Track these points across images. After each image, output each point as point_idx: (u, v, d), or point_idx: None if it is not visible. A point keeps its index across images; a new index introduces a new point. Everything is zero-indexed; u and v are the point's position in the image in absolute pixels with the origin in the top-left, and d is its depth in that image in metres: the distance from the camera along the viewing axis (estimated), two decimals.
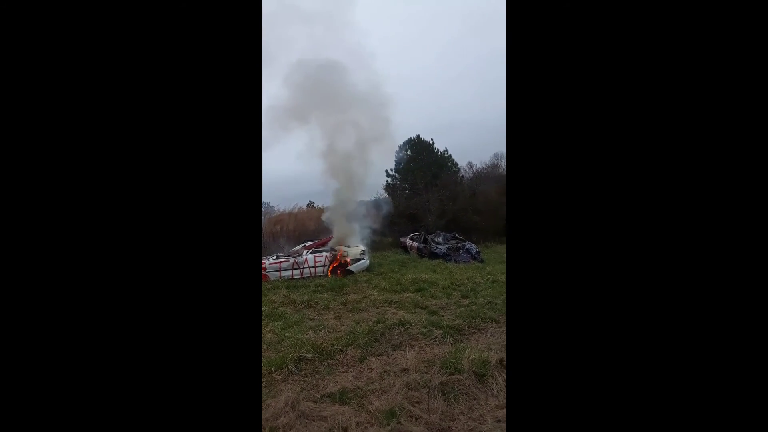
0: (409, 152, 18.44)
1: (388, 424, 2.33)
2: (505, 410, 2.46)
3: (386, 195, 17.31)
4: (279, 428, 2.41)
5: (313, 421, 2.49)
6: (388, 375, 3.10)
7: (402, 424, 2.32)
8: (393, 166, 18.49)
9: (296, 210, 17.98)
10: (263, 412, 2.64)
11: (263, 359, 3.64)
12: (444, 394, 2.66)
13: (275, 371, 3.35)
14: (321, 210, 15.65)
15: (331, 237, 10.22)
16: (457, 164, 18.93)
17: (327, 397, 2.84)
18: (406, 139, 18.35)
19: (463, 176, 18.97)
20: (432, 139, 18.38)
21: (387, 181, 18.35)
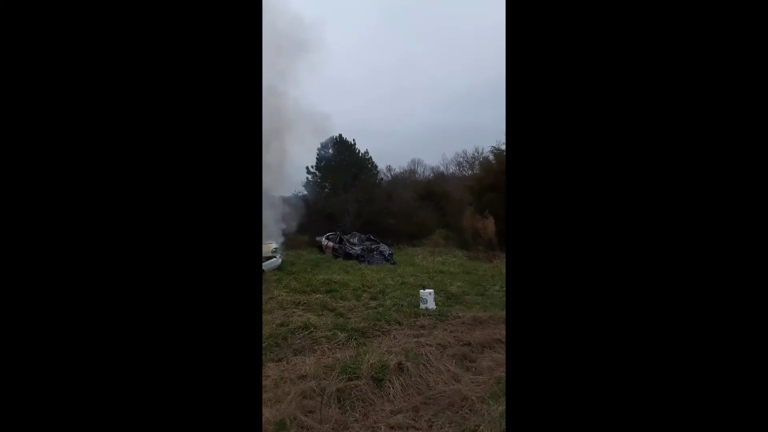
0: (330, 151, 18.20)
1: None
2: (399, 416, 2.48)
3: (305, 192, 16.87)
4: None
5: None
6: (284, 382, 2.94)
7: None
8: (314, 163, 18.11)
9: None
10: None
11: None
12: (340, 402, 2.60)
13: None
14: None
15: None
16: (377, 166, 19.20)
17: None
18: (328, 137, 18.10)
19: (381, 179, 19.31)
20: (354, 140, 18.38)
21: (307, 178, 17.90)
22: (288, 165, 11.32)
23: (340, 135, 18.14)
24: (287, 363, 3.37)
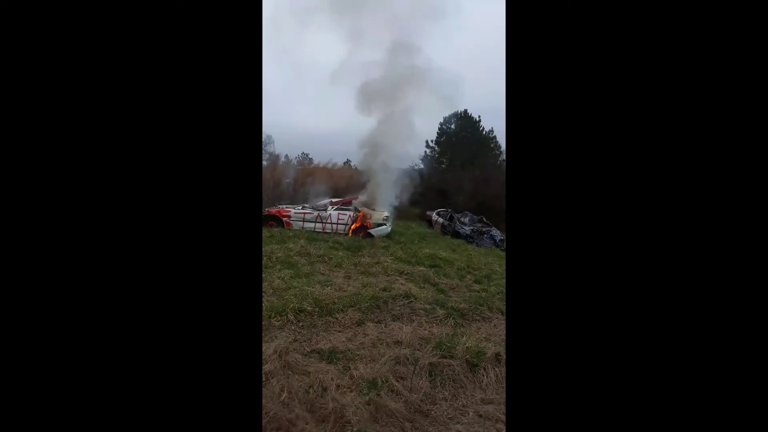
0: (453, 126, 17.79)
1: (368, 394, 2.31)
2: (489, 406, 2.38)
3: (421, 166, 16.98)
4: (262, 374, 2.45)
5: (297, 374, 2.51)
6: (381, 344, 3.07)
7: (381, 397, 2.29)
8: (434, 138, 17.98)
9: (330, 165, 18.04)
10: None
11: (266, 303, 3.71)
12: (431, 376, 2.61)
13: (275, 317, 3.41)
14: (353, 169, 15.53)
15: (357, 197, 10.18)
16: (500, 147, 18.14)
17: (316, 352, 2.86)
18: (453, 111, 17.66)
19: (503, 161, 18.24)
20: (479, 117, 17.59)
21: (425, 152, 17.92)
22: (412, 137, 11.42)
23: (465, 110, 17.56)
24: (385, 326, 3.51)
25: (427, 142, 17.68)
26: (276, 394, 2.23)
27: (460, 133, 17.47)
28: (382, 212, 9.27)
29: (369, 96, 10.99)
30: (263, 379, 2.41)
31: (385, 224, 8.91)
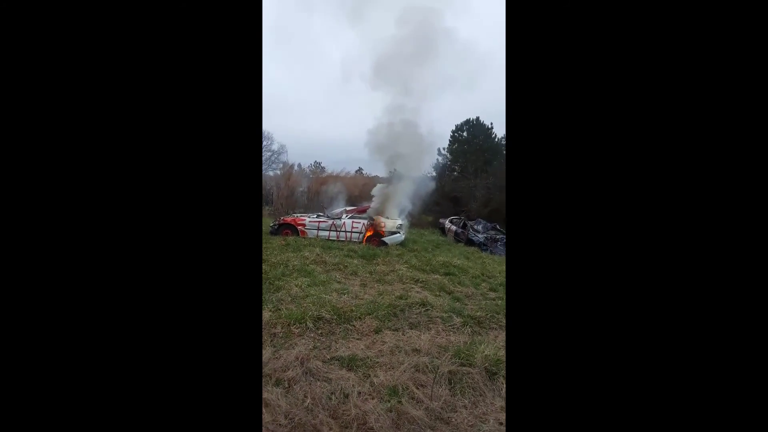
0: (465, 133, 17.83)
1: (389, 401, 2.34)
2: None
3: (433, 173, 17.00)
4: (285, 380, 2.50)
5: (318, 380, 2.56)
6: (399, 351, 3.10)
7: (402, 404, 2.32)
8: (446, 145, 18.02)
9: (343, 174, 18.21)
10: (274, 361, 2.76)
11: (285, 311, 3.78)
12: (450, 384, 2.63)
13: (294, 324, 3.48)
14: (366, 177, 15.60)
15: (369, 206, 10.26)
16: None
17: (336, 360, 2.90)
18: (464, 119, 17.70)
19: None
20: (491, 124, 17.59)
21: (437, 159, 17.96)
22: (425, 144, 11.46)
23: (477, 117, 17.58)
24: (402, 334, 3.54)
25: (439, 149, 17.76)
26: (300, 400, 2.28)
27: (473, 140, 17.49)
28: (395, 220, 9.33)
29: (382, 69, 10.85)
30: (286, 385, 2.46)
31: (399, 232, 8.96)
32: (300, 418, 2.10)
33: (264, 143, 34.47)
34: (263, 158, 34.39)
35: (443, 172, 17.35)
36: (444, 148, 18.04)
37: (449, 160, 18.03)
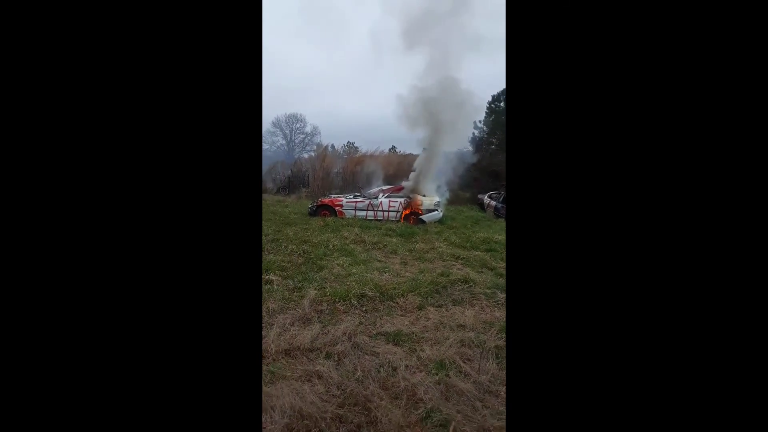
0: (502, 104, 17.12)
1: (437, 374, 2.37)
2: None
3: (470, 148, 16.56)
4: (335, 354, 2.60)
5: (366, 354, 2.64)
6: (444, 327, 3.13)
7: (450, 377, 2.35)
8: (482, 117, 17.42)
9: (378, 153, 18.18)
10: (323, 336, 2.87)
11: (329, 289, 3.90)
12: (497, 358, 2.62)
13: (339, 302, 3.59)
14: (400, 155, 15.49)
15: (404, 185, 10.19)
16: None
17: (382, 335, 2.97)
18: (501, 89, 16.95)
19: None
20: None
21: (474, 133, 17.44)
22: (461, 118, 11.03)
23: None
24: (446, 311, 3.55)
25: (475, 123, 17.19)
26: (351, 372, 2.37)
27: None
28: (433, 197, 9.24)
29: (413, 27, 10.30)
30: (336, 359, 2.56)
31: (436, 210, 8.88)
32: (352, 389, 2.19)
33: (297, 125, 35.08)
34: (296, 140, 35.08)
35: (481, 146, 16.85)
36: (480, 121, 17.46)
37: (486, 133, 17.46)
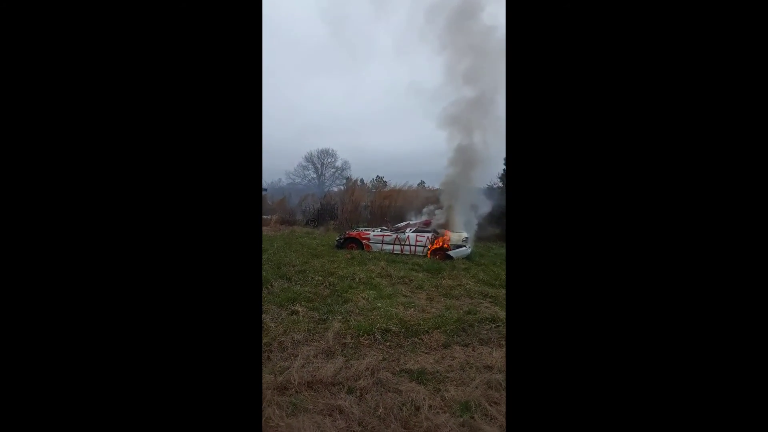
0: None
1: (461, 416, 2.28)
2: None
3: (500, 184, 16.45)
4: (357, 389, 2.56)
5: (389, 391, 2.58)
6: (470, 367, 3.02)
7: (475, 420, 2.25)
8: None
9: (406, 188, 18.38)
10: (346, 370, 2.84)
11: (354, 322, 3.88)
12: None
13: (362, 336, 3.56)
14: (428, 190, 15.60)
15: (431, 220, 10.18)
16: None
17: (405, 372, 2.91)
18: None
19: None
20: None
21: (504, 169, 17.39)
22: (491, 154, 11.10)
23: None
24: (473, 350, 3.44)
25: (504, 159, 17.20)
26: (372, 409, 2.32)
27: None
28: (461, 234, 9.15)
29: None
30: (358, 394, 2.52)
31: (464, 246, 8.77)
32: (373, 426, 2.14)
33: (328, 160, 36.26)
34: (327, 174, 36.14)
35: None
36: None
37: None
